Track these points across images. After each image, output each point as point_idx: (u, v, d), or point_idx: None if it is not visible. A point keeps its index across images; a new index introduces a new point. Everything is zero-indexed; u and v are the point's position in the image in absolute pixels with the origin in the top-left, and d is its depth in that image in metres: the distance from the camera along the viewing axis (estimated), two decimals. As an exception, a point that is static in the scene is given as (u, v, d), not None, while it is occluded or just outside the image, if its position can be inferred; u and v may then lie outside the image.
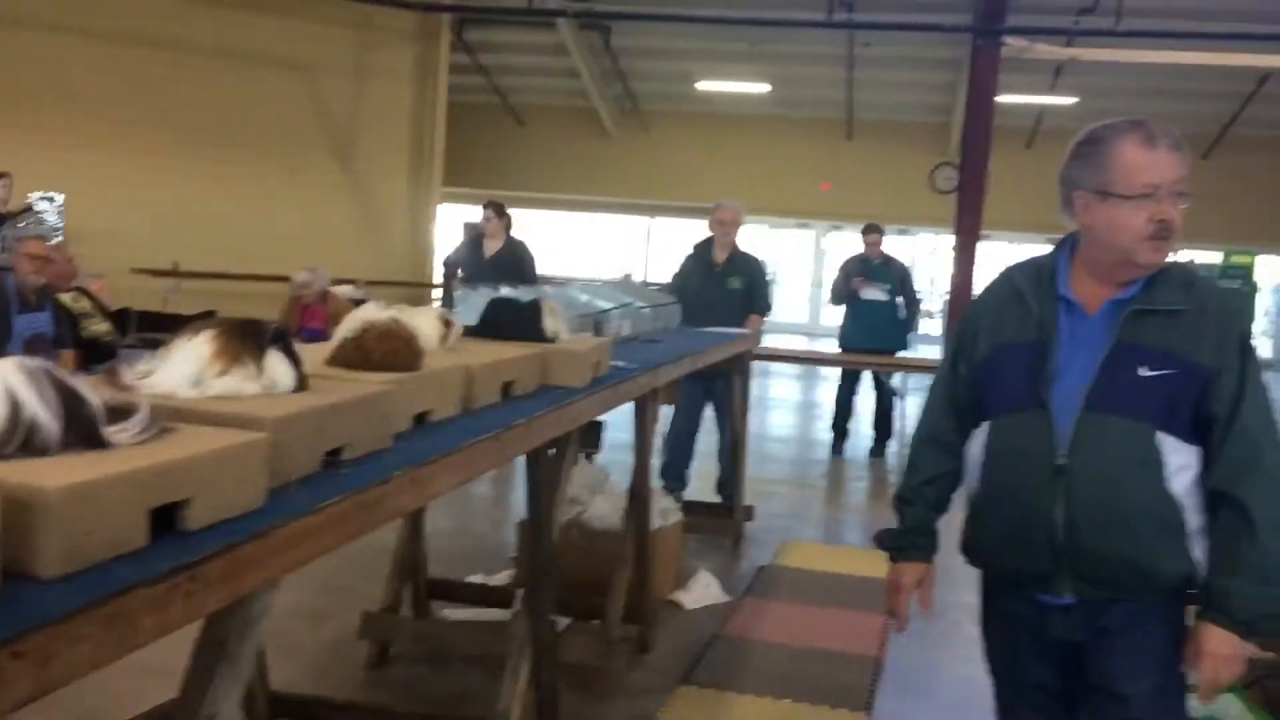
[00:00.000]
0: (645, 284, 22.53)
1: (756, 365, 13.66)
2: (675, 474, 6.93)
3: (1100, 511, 2.17)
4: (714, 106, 20.19)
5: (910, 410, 9.59)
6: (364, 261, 14.53)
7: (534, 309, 3.35)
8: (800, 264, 24.28)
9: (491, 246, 8.31)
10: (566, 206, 23.02)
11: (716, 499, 6.79)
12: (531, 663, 3.18)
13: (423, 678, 4.20)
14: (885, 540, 2.52)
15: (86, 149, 13.51)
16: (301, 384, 2.05)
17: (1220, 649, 2.14)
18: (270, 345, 2.00)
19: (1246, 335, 2.21)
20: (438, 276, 14.43)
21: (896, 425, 9.31)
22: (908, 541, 2.49)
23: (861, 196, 20.15)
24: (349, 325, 2.40)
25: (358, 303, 4.56)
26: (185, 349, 1.94)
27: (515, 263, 8.00)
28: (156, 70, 14.04)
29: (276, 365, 2.00)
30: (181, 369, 1.92)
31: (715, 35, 17.42)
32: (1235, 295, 2.27)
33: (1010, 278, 2.38)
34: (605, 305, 4.79)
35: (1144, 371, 2.15)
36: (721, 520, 6.33)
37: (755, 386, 13.75)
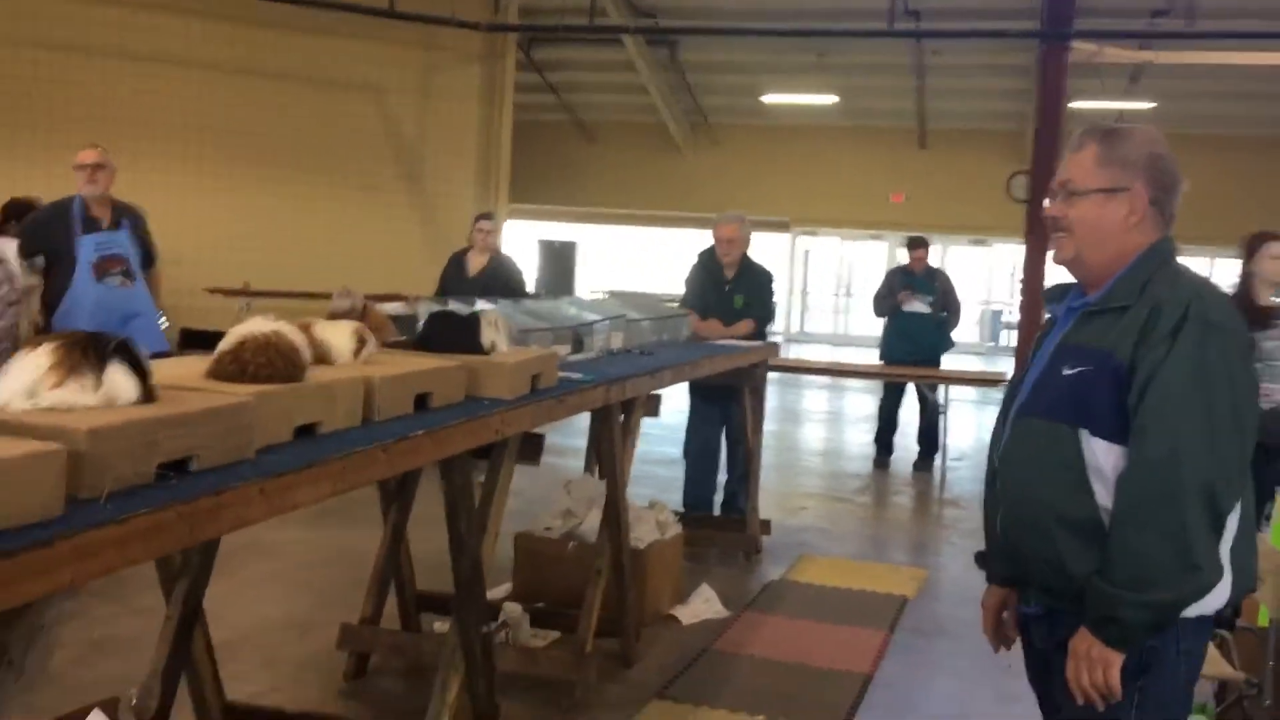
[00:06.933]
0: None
1: (806, 378, 13.53)
2: (698, 496, 6.62)
3: (1019, 514, 2.20)
4: (782, 119, 20.07)
5: (953, 424, 9.38)
6: (433, 278, 14.73)
7: (472, 322, 3.37)
8: (873, 276, 23.87)
9: (478, 262, 7.62)
10: (638, 221, 23.08)
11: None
12: (464, 675, 3.18)
13: (398, 690, 4.23)
14: (978, 561, 2.57)
15: (161, 172, 13.95)
16: (148, 395, 2.09)
17: (1078, 645, 2.05)
18: (112, 357, 2.04)
19: (1184, 326, 2.00)
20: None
21: (941, 439, 9.12)
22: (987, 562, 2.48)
23: (935, 207, 19.84)
24: (228, 339, 2.44)
25: (400, 318, 4.59)
26: (24, 361, 1.99)
27: (502, 280, 7.36)
28: (227, 94, 14.45)
29: (117, 377, 2.04)
30: (17, 381, 1.97)
31: (781, 47, 17.32)
32: (1204, 292, 1.94)
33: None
34: (592, 318, 4.79)
35: (1065, 370, 2.13)
36: (735, 534, 6.25)
37: (806, 399, 13.63)
